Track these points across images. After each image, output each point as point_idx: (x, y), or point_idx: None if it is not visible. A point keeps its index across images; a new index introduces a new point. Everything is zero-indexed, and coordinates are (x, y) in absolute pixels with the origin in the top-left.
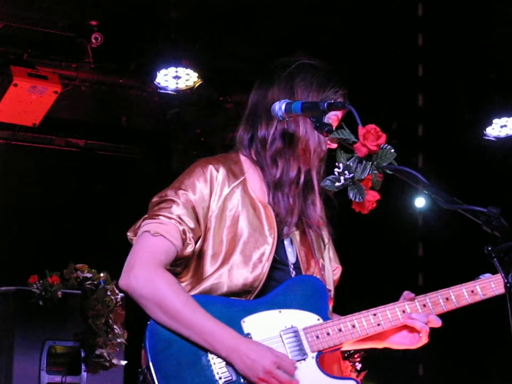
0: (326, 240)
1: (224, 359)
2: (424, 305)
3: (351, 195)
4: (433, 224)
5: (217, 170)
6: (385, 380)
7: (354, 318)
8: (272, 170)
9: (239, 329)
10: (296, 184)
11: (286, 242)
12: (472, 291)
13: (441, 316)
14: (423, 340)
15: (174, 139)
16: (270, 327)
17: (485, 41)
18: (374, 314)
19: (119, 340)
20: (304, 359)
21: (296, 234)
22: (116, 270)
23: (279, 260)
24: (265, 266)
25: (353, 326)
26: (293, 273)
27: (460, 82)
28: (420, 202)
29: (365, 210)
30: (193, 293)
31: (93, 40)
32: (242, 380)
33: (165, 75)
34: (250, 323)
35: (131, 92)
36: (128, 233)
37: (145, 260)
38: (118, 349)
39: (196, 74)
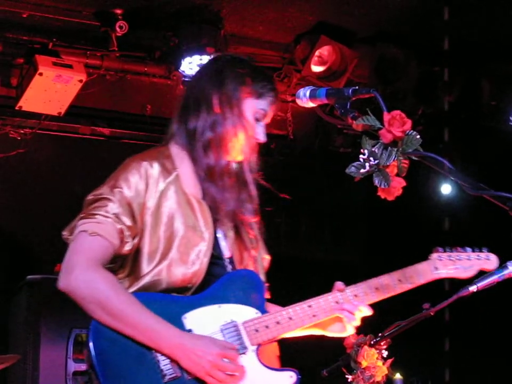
0: (257, 232)
1: (169, 356)
2: (356, 295)
3: (376, 181)
4: (459, 211)
5: (152, 166)
6: (412, 368)
7: (291, 310)
8: (203, 161)
9: (181, 326)
10: (228, 175)
11: (220, 236)
12: (400, 280)
13: (474, 307)
14: (348, 329)
15: None
16: (210, 322)
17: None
18: (309, 306)
19: None
20: (244, 353)
21: (230, 228)
22: None
23: (215, 255)
24: (203, 262)
25: (290, 318)
26: (229, 268)
27: (485, 67)
28: (446, 188)
29: (391, 196)
30: (132, 290)
31: (118, 29)
32: (186, 376)
33: (189, 63)
34: (191, 319)
35: (156, 80)
36: (64, 232)
37: (85, 261)
38: None
39: None
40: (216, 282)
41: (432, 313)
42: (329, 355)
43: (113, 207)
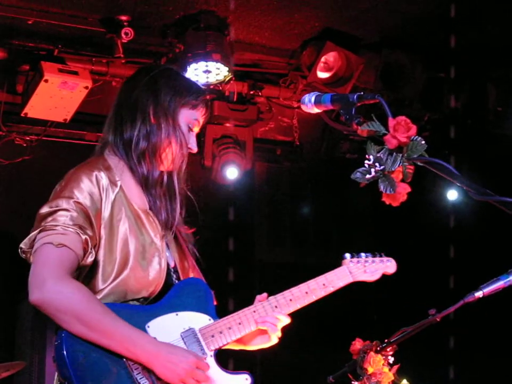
0: (191, 243)
1: (145, 365)
2: (276, 307)
3: (381, 187)
4: (466, 217)
5: (102, 177)
6: (418, 374)
7: (240, 316)
8: (139, 170)
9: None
10: (160, 185)
11: (165, 246)
12: (324, 284)
13: (481, 314)
14: (272, 339)
15: (204, 133)
16: (171, 330)
17: None
18: (254, 311)
19: None
20: (204, 358)
21: (170, 238)
22: None
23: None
24: (162, 271)
25: (239, 323)
26: (174, 277)
27: (491, 73)
28: (452, 194)
29: (396, 202)
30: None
31: (123, 35)
32: None
33: (195, 69)
34: (153, 327)
35: None
36: (22, 246)
37: (56, 273)
38: None
39: (226, 69)
40: (170, 291)
41: (438, 319)
42: (335, 361)
43: (73, 218)
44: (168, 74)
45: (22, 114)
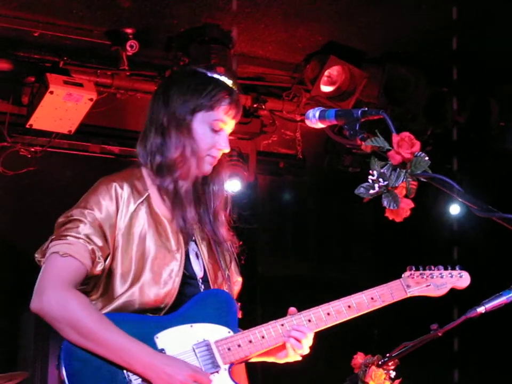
0: (230, 252)
1: (141, 376)
2: (310, 321)
3: (385, 203)
4: (468, 231)
5: (122, 188)
6: None
7: (264, 329)
8: (158, 181)
9: (153, 345)
10: (176, 195)
11: (192, 256)
12: (372, 298)
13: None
14: (289, 354)
15: None
16: (182, 342)
17: None
18: (282, 325)
19: None
20: (217, 371)
21: (203, 247)
22: None
23: (188, 274)
24: (175, 282)
25: (263, 337)
26: (202, 287)
27: (494, 88)
28: (455, 209)
29: (399, 218)
30: (105, 311)
31: (128, 48)
32: None
33: None
34: (163, 338)
35: None
36: (36, 255)
37: (56, 282)
38: None
39: (230, 82)
40: (188, 302)
41: (440, 334)
42: (337, 375)
43: (84, 228)
44: (181, 80)
45: (27, 126)
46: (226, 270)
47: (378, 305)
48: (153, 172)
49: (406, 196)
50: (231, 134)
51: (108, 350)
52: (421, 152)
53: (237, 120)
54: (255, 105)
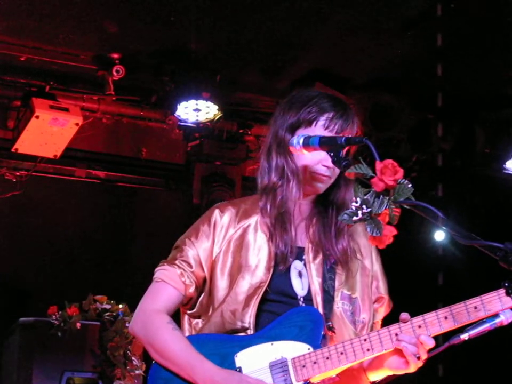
0: (355, 271)
1: None
2: (420, 326)
3: (368, 229)
4: (453, 258)
5: (223, 213)
6: None
7: (344, 345)
8: (267, 203)
9: (232, 363)
10: (309, 214)
11: (293, 275)
12: (476, 307)
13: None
14: (411, 363)
15: (194, 171)
16: (260, 360)
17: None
18: (365, 340)
19: (137, 372)
20: None
21: (312, 266)
22: (135, 302)
23: (282, 293)
24: (257, 302)
25: (341, 353)
26: (303, 306)
27: (479, 115)
28: (440, 235)
29: (382, 244)
30: (203, 331)
31: (114, 73)
32: None
33: (185, 108)
34: (242, 357)
35: (151, 124)
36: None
37: (146, 306)
38: (136, 381)
39: (216, 107)
40: (275, 320)
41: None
42: None
43: (180, 255)
44: (284, 101)
45: (12, 150)
46: (345, 289)
47: (481, 315)
48: (259, 195)
49: (389, 223)
50: (217, 160)
51: (176, 366)
52: (404, 180)
53: (349, 134)
54: (241, 131)
